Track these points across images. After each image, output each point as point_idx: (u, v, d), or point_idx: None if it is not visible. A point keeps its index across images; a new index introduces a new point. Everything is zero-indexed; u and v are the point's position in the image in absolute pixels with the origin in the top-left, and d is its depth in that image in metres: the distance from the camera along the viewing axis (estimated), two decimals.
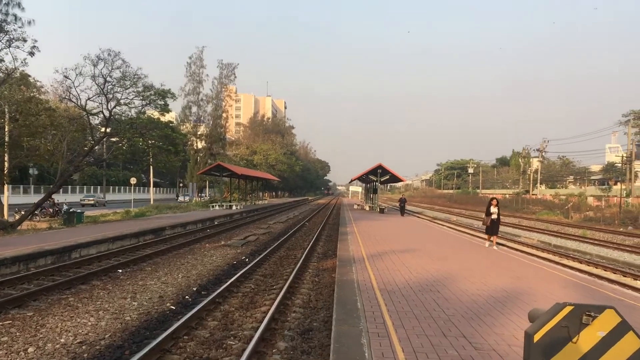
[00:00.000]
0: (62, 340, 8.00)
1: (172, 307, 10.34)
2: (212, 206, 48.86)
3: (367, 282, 10.88)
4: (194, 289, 12.25)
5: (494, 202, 18.26)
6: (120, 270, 14.31)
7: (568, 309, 3.53)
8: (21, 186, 57.34)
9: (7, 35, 24.13)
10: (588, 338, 3.51)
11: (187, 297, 11.31)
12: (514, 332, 7.21)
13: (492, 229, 18.25)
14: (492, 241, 18.96)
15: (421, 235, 23.94)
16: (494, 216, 17.92)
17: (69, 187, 67.55)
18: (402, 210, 42.62)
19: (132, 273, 14.13)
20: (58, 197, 50.60)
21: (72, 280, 12.23)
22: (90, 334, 8.37)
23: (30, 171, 51.79)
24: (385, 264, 13.64)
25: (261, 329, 8.31)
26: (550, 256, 21.70)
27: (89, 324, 8.94)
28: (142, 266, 15.34)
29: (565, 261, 20.32)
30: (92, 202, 58.36)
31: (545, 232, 33.88)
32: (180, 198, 75.27)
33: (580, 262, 20.24)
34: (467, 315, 8.17)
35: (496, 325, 7.61)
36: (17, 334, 8.25)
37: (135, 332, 8.54)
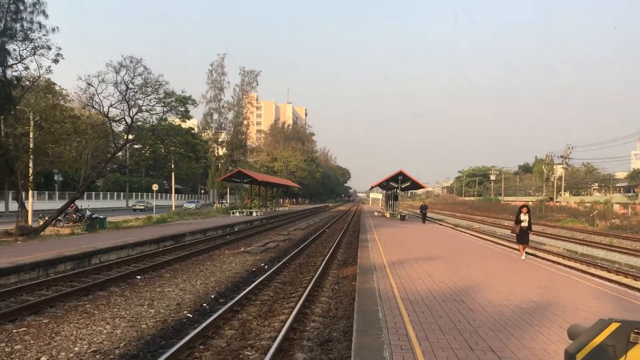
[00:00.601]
0: (76, 349, 7.84)
1: (189, 315, 10.14)
2: (233, 212, 48.87)
3: (388, 290, 10.55)
4: (212, 296, 12.05)
5: (524, 209, 17.16)
6: (138, 277, 14.20)
7: (614, 326, 3.17)
8: (46, 192, 58.21)
9: (32, 43, 24.41)
10: (637, 358, 3.16)
11: (204, 304, 11.11)
12: (545, 346, 6.83)
13: (522, 237, 17.23)
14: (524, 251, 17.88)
15: (443, 242, 23.47)
16: (524, 224, 16.88)
17: (93, 193, 68.36)
18: (424, 218, 41.96)
19: (151, 280, 14.00)
20: (82, 203, 51.33)
21: (89, 287, 12.13)
22: (105, 342, 8.20)
23: (55, 177, 52.63)
24: (407, 272, 13.29)
25: (279, 339, 8.05)
26: (577, 265, 21.06)
27: (105, 331, 8.78)
28: (161, 273, 15.22)
29: (593, 270, 19.68)
30: (142, 207, 63.46)
31: (571, 240, 33.03)
32: (186, 205, 68.52)
33: (609, 272, 19.57)
34: (495, 327, 7.80)
35: (525, 338, 7.23)
36: (31, 341, 8.11)
37: (151, 341, 8.35)
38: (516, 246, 26.77)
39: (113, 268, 15.55)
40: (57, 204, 44.37)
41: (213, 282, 14.00)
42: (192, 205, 66.35)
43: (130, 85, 27.24)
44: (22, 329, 8.80)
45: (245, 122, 69.45)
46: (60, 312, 10.07)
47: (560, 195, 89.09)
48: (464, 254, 18.33)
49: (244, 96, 68.66)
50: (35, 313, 9.82)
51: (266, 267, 16.99)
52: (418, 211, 58.93)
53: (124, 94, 27.25)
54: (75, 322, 9.28)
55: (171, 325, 9.36)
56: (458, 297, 10.03)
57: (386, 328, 7.51)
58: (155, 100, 28.34)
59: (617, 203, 62.68)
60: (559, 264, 19.38)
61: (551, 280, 12.83)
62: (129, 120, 28.44)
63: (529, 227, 17.00)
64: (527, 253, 19.14)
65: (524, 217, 16.87)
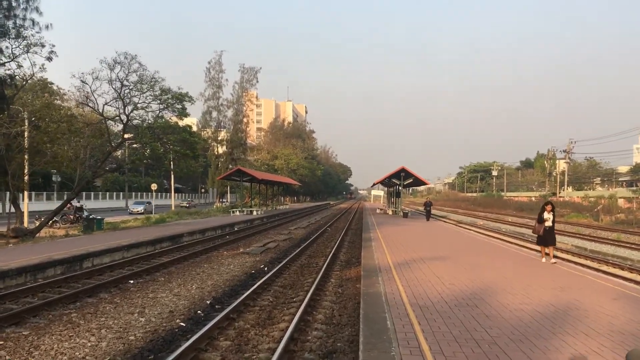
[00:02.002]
0: None
1: (182, 323, 9.44)
2: (233, 212, 48.19)
3: (395, 295, 9.85)
4: (208, 302, 11.35)
5: (548, 207, 15.28)
6: (131, 281, 13.51)
7: None
8: (44, 193, 57.49)
9: (25, 41, 23.74)
10: None
11: (199, 311, 10.41)
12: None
13: (545, 239, 15.28)
14: (548, 254, 15.66)
15: (448, 240, 22.77)
16: (548, 223, 15.06)
17: (92, 193, 67.65)
18: (428, 215, 40.84)
19: (144, 284, 13.31)
20: (80, 204, 50.58)
21: (78, 293, 11.43)
22: (87, 357, 7.50)
23: (54, 178, 51.92)
24: (414, 273, 12.59)
25: (278, 352, 7.35)
26: (588, 262, 20.34)
27: (88, 344, 8.08)
28: (156, 276, 14.52)
29: (605, 267, 18.97)
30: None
31: (577, 235, 32.31)
32: (133, 207, 57.45)
33: (622, 269, 18.85)
34: (514, 336, 7.10)
35: (550, 349, 6.54)
36: (7, 357, 7.41)
37: (138, 355, 7.65)
38: (524, 243, 26.16)
39: (105, 272, 14.85)
40: (56, 205, 43.67)
41: (210, 286, 13.31)
42: (141, 208, 55.72)
43: (125, 82, 26.56)
44: None
45: (245, 120, 68.74)
46: (43, 322, 9.37)
47: (563, 190, 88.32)
48: (471, 253, 17.63)
49: (244, 94, 67.91)
50: (16, 324, 9.11)
51: (266, 269, 16.30)
52: (421, 208, 58.21)
53: (119, 91, 26.56)
54: (58, 334, 8.58)
55: (162, 336, 8.66)
56: (471, 302, 9.33)
57: (396, 340, 6.81)
58: (151, 97, 27.62)
59: (621, 197, 61.92)
60: (569, 261, 18.67)
61: (565, 280, 12.14)
62: (124, 118, 27.74)
63: (553, 227, 15.34)
64: (535, 250, 18.37)
65: (547, 215, 15.15)
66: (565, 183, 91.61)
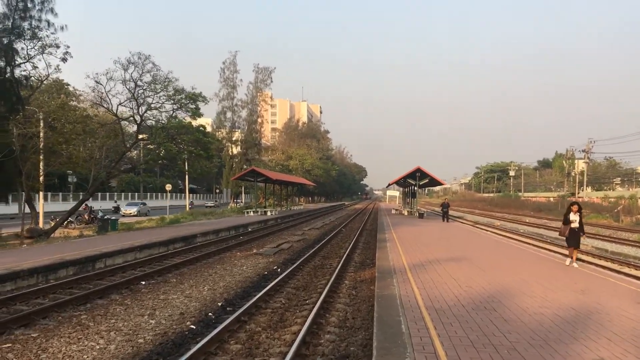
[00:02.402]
0: None
1: (192, 326, 9.27)
2: (247, 212, 48.13)
3: (410, 297, 9.59)
4: (219, 304, 11.18)
5: (574, 207, 14.63)
6: (143, 282, 13.39)
7: None
8: (60, 193, 57.99)
9: (41, 42, 23.84)
10: None
11: (210, 314, 10.24)
12: None
13: (572, 240, 14.60)
14: (572, 257, 14.95)
15: (465, 242, 22.39)
16: (575, 225, 14.37)
17: (107, 194, 68.16)
18: (445, 216, 39.59)
19: (156, 285, 13.19)
20: (95, 204, 50.90)
21: (88, 294, 11.33)
22: None
23: (70, 179, 52.27)
24: (429, 275, 12.30)
25: (290, 356, 7.15)
26: (609, 264, 19.86)
27: (97, 347, 7.93)
28: (167, 277, 14.40)
29: (627, 269, 18.50)
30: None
31: (597, 237, 31.67)
32: (126, 209, 53.87)
33: None
34: (534, 341, 6.80)
35: (572, 354, 6.25)
36: None
37: (146, 359, 7.49)
38: (543, 245, 25.73)
39: (117, 273, 14.76)
40: (71, 206, 44.04)
41: (222, 287, 13.14)
42: (135, 209, 52.82)
43: (139, 83, 26.58)
44: (7, 344, 7.99)
45: (259, 120, 68.66)
46: (52, 324, 9.26)
47: (582, 191, 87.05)
48: (488, 255, 17.28)
49: (258, 94, 67.85)
50: (25, 325, 9.01)
51: (279, 270, 16.11)
52: (437, 209, 57.63)
53: (132, 91, 26.58)
54: (67, 337, 8.45)
55: (171, 339, 8.49)
56: (489, 305, 9.03)
57: (411, 345, 6.56)
58: (164, 97, 27.62)
59: None
60: (590, 263, 18.24)
61: (586, 282, 11.77)
62: (138, 118, 27.77)
63: (581, 229, 14.56)
64: (553, 252, 17.97)
65: (574, 216, 14.43)
66: (585, 183, 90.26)
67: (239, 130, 66.41)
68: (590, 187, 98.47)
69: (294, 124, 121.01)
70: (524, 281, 11.73)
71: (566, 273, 13.24)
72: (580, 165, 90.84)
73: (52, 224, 27.06)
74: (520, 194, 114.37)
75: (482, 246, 20.36)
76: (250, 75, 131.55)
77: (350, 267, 17.03)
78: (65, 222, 28.90)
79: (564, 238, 15.05)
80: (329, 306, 10.96)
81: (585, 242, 27.60)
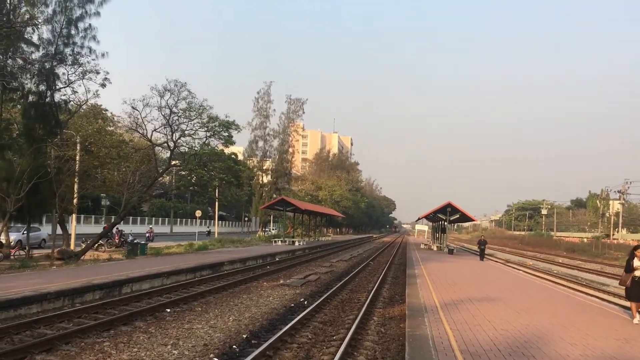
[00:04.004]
0: None
1: (215, 359, 8.97)
2: (275, 241, 47.91)
3: (444, 339, 9.12)
4: (244, 335, 10.85)
5: (639, 252, 11.90)
6: (168, 310, 13.17)
7: None
8: (93, 216, 58.87)
9: (81, 68, 24.45)
10: None
11: (234, 346, 9.91)
12: None
13: (635, 292, 11.88)
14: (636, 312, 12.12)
15: (497, 281, 21.64)
16: (638, 273, 11.72)
17: (138, 218, 68.94)
18: (482, 254, 37.29)
19: (181, 314, 12.95)
20: (126, 228, 51.41)
21: (113, 320, 11.15)
22: None
23: (103, 202, 53.10)
24: (462, 315, 11.77)
25: None
26: None
27: None
28: (193, 305, 14.17)
29: None
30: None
31: None
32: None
33: None
34: None
35: None
36: None
37: None
38: (578, 287, 24.52)
39: (143, 299, 14.59)
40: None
41: (247, 318, 12.82)
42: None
43: (174, 110, 26.87)
44: None
45: (290, 150, 69.03)
46: (74, 350, 9.06)
47: (617, 232, 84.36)
48: (522, 295, 16.59)
49: (290, 124, 68.41)
50: (47, 351, 8.84)
51: (306, 302, 15.71)
52: (467, 245, 56.32)
53: (167, 118, 26.89)
54: None
55: None
56: (527, 351, 8.51)
57: None
58: (198, 124, 27.87)
59: None
60: (628, 308, 17.30)
61: (628, 330, 11.08)
62: (172, 144, 28.05)
63: None
64: (588, 295, 17.09)
65: (638, 262, 11.76)
66: (620, 224, 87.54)
67: (270, 160, 66.83)
68: (625, 229, 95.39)
69: (324, 154, 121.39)
70: (561, 325, 11.16)
71: (607, 319, 12.55)
72: (616, 205, 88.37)
73: (84, 246, 27.28)
74: (552, 233, 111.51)
75: (515, 286, 19.63)
76: (282, 106, 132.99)
77: (379, 302, 16.53)
78: (96, 245, 29.12)
79: (624, 288, 12.67)
80: (357, 344, 10.52)
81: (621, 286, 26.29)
